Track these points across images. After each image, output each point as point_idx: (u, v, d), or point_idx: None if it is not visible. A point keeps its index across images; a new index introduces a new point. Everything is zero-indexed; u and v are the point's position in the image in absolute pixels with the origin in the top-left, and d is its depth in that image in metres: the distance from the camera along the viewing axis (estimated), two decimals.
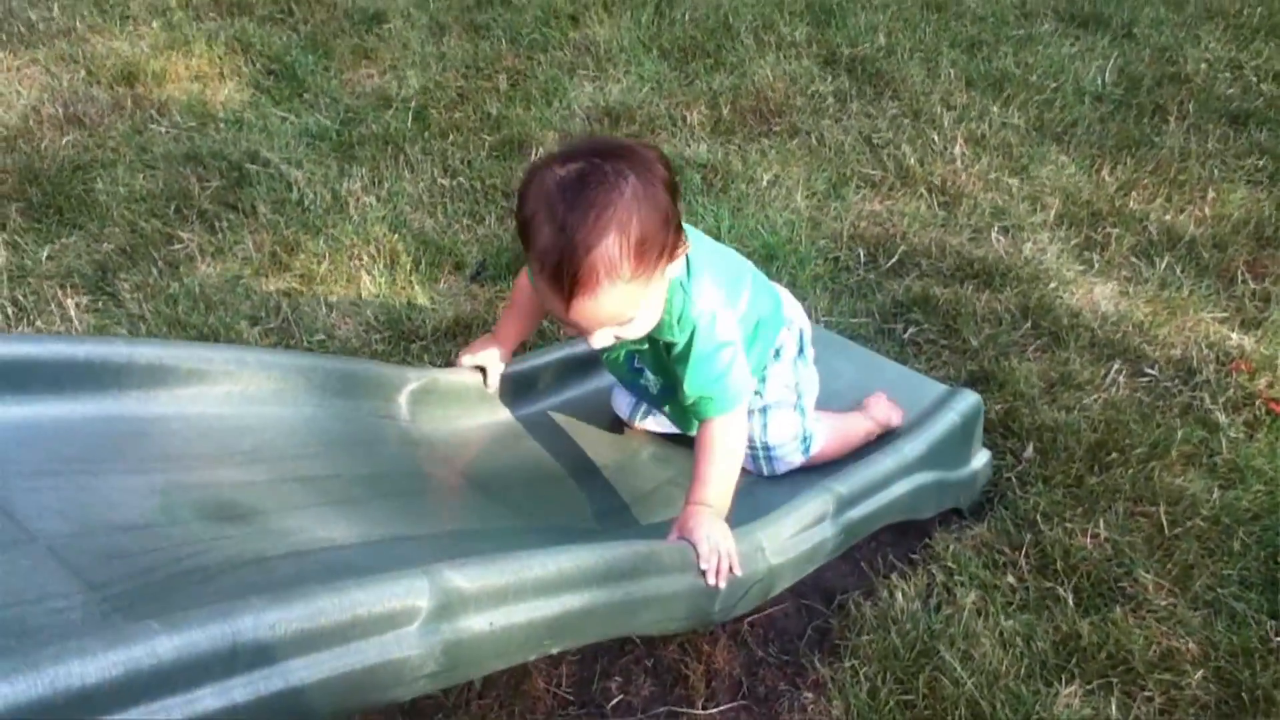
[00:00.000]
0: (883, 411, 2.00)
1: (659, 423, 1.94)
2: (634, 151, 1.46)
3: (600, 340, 1.51)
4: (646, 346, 1.66)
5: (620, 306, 1.45)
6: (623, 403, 1.97)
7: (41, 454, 1.21)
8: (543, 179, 1.41)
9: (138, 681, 0.80)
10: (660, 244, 1.45)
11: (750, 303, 1.74)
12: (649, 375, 1.75)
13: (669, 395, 1.77)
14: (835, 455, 1.91)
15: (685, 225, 1.57)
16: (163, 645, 0.81)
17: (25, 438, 1.23)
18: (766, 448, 1.86)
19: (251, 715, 0.87)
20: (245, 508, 1.29)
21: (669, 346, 1.62)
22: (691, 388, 1.61)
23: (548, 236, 1.39)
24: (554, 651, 1.21)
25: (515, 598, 1.11)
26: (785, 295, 1.90)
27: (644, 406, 1.94)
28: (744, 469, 1.76)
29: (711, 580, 1.44)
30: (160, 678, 0.81)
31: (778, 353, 1.84)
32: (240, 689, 0.86)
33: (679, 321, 1.58)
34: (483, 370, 1.87)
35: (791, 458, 1.87)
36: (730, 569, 1.46)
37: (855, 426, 1.96)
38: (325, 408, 1.61)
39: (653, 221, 1.42)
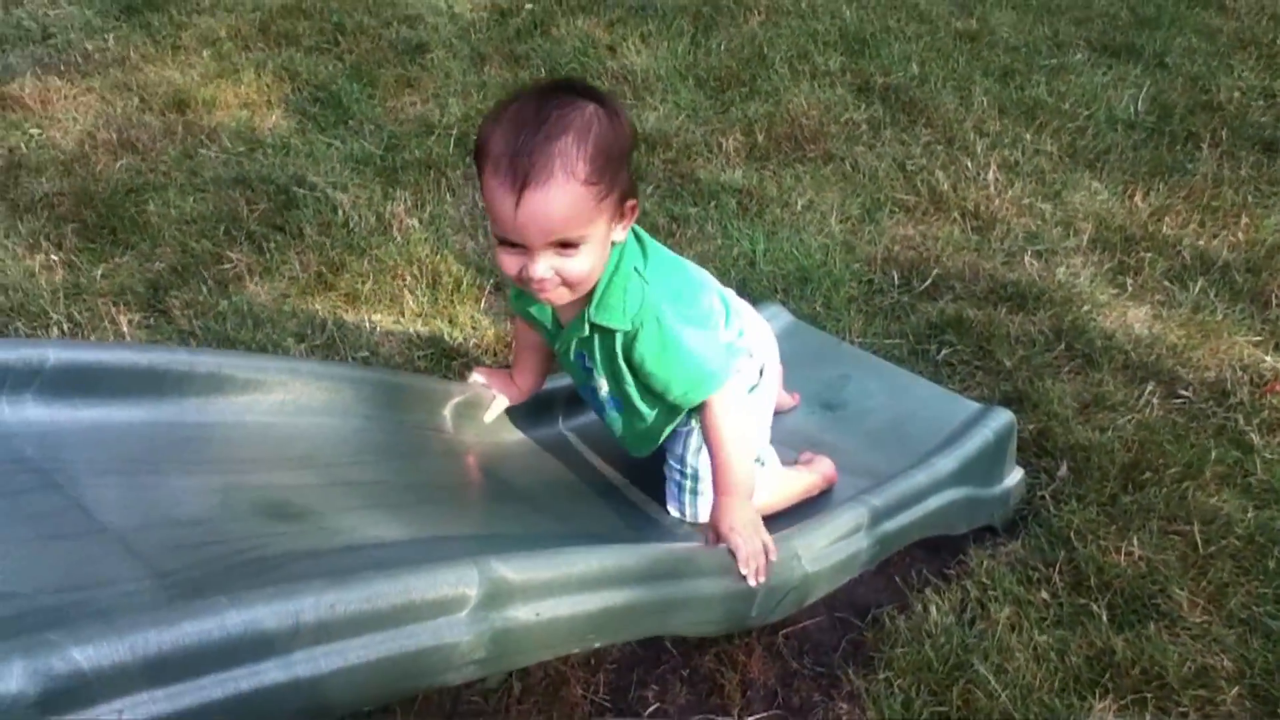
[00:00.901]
0: (826, 466, 1.93)
1: None
2: (600, 93, 1.47)
3: (541, 270, 1.44)
4: (589, 335, 1.60)
5: (571, 212, 1.40)
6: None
7: (109, 453, 1.27)
8: (503, 107, 1.43)
9: (208, 652, 0.85)
10: (616, 171, 1.43)
11: (708, 313, 1.67)
12: (597, 377, 1.68)
13: (617, 407, 1.73)
14: (770, 508, 1.76)
15: (648, 236, 1.61)
16: (231, 619, 0.86)
17: (94, 438, 1.29)
18: (695, 475, 1.76)
19: (312, 690, 0.91)
20: (299, 508, 1.34)
21: (622, 341, 1.58)
22: (671, 381, 1.58)
23: (506, 135, 1.39)
24: (596, 645, 1.25)
25: (560, 591, 1.15)
26: (753, 325, 1.81)
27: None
28: (663, 502, 1.79)
29: (751, 581, 1.47)
30: (228, 649, 0.86)
31: None
32: (302, 664, 0.91)
33: (630, 309, 1.54)
34: (489, 392, 1.86)
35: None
36: (767, 561, 1.49)
37: (795, 481, 1.87)
38: (373, 418, 1.67)
39: (612, 145, 1.42)
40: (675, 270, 1.64)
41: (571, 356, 1.69)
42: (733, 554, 1.48)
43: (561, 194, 1.38)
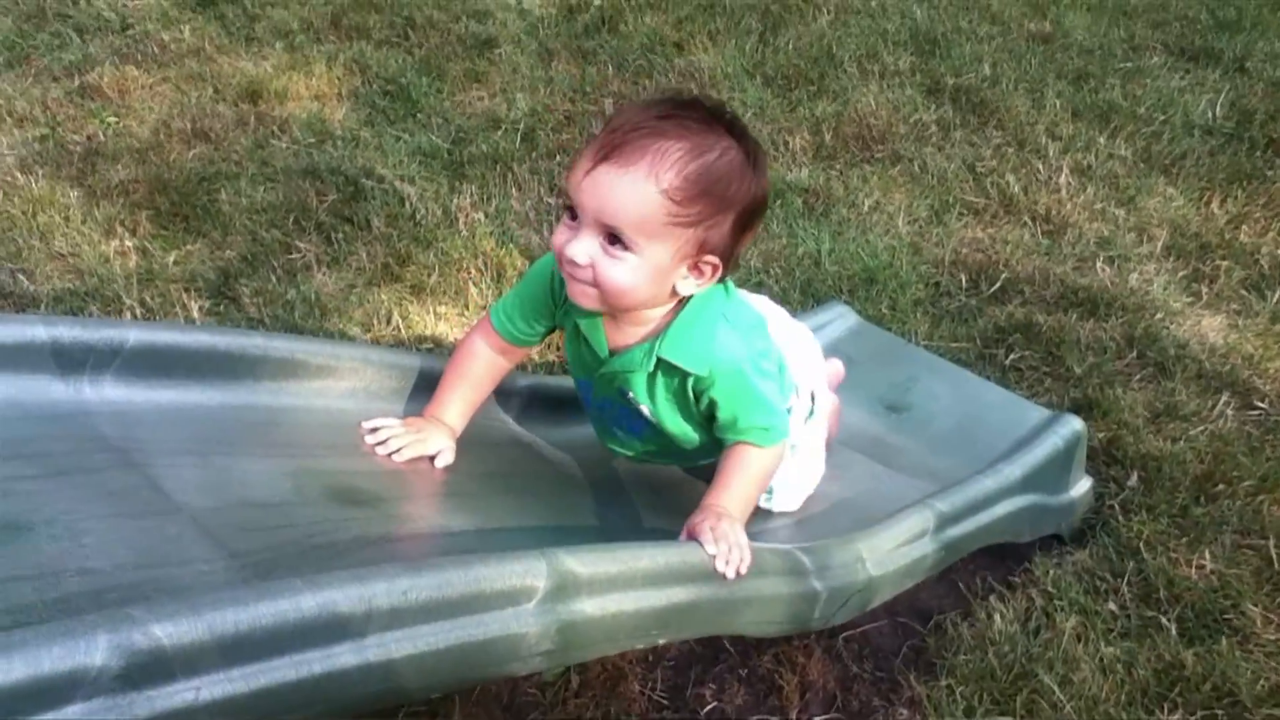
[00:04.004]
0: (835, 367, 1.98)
1: None
2: (749, 140, 1.38)
3: (580, 249, 1.35)
4: (654, 370, 1.50)
5: (632, 208, 1.31)
6: None
7: (184, 435, 1.29)
8: (655, 97, 1.39)
9: (283, 632, 0.86)
10: (710, 209, 1.34)
11: (781, 369, 1.62)
12: (638, 404, 1.57)
13: (655, 430, 1.62)
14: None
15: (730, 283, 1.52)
16: (306, 601, 0.87)
17: (169, 419, 1.31)
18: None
19: (383, 674, 0.92)
20: (369, 494, 1.35)
21: (693, 383, 1.49)
22: (751, 419, 1.50)
23: (628, 113, 1.33)
24: (660, 642, 1.24)
25: (626, 586, 1.15)
26: (795, 351, 1.74)
27: None
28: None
29: (721, 567, 1.30)
30: (303, 631, 0.87)
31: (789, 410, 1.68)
32: (374, 649, 0.92)
33: (715, 358, 1.46)
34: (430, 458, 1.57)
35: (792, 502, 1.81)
36: (741, 561, 1.33)
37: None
38: None
39: (721, 184, 1.33)
40: (757, 323, 1.57)
41: (613, 386, 1.58)
42: (701, 541, 1.35)
43: (633, 186, 1.31)
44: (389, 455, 1.50)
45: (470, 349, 1.64)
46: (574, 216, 1.37)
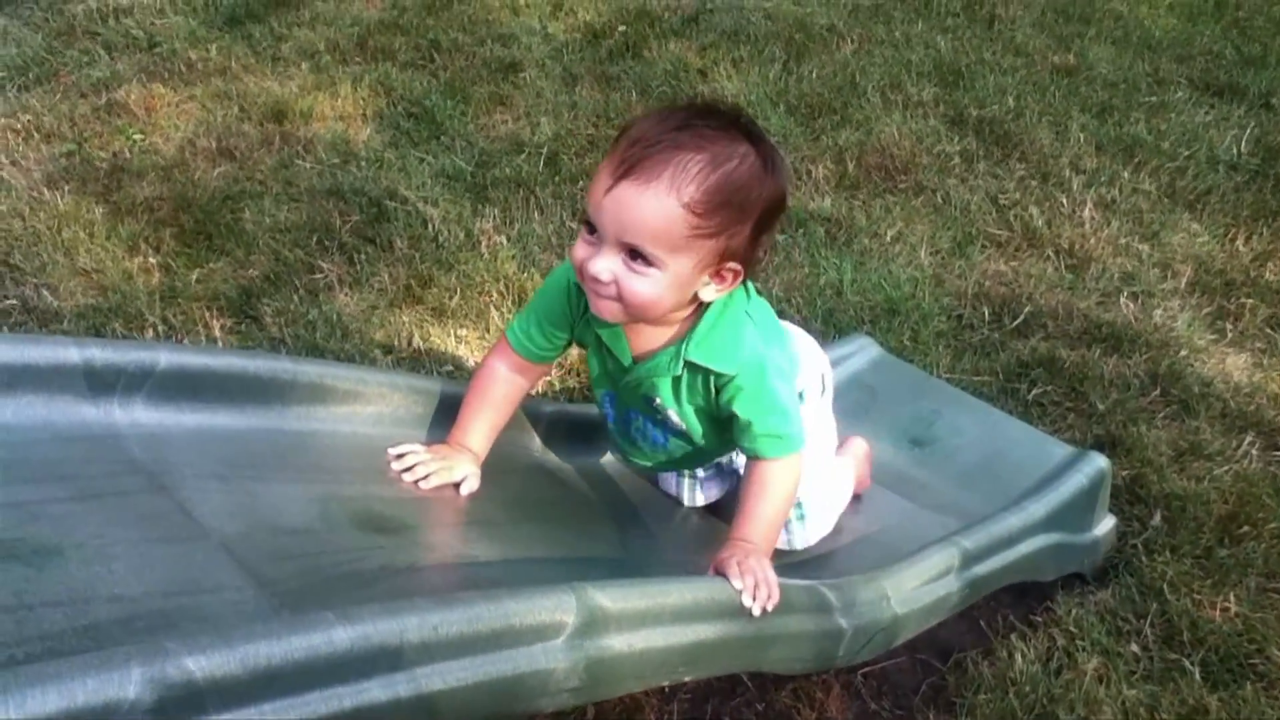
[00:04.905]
0: (859, 449, 1.95)
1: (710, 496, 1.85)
2: (765, 144, 1.38)
3: (602, 267, 1.35)
4: (681, 373, 1.51)
5: (655, 224, 1.31)
6: (670, 484, 1.86)
7: (213, 459, 1.29)
8: (670, 107, 1.38)
9: (315, 667, 0.85)
10: (732, 218, 1.34)
11: (796, 369, 1.63)
12: (666, 410, 1.58)
13: (682, 437, 1.63)
14: (835, 503, 1.84)
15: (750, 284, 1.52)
16: (339, 635, 0.86)
17: (198, 442, 1.31)
18: (798, 503, 1.74)
19: (412, 710, 0.91)
20: (396, 521, 1.35)
21: (716, 381, 1.49)
22: (765, 425, 1.48)
23: (646, 125, 1.33)
24: (686, 679, 1.23)
25: (654, 622, 1.14)
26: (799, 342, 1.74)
27: (698, 487, 1.84)
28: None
29: (748, 602, 1.28)
30: (334, 665, 0.86)
31: (801, 395, 1.67)
32: (403, 684, 0.91)
33: (741, 354, 1.46)
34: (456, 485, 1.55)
35: (826, 519, 1.81)
36: (769, 598, 1.30)
37: (847, 471, 1.89)
38: None
39: (742, 192, 1.33)
40: (777, 326, 1.58)
41: (638, 395, 1.59)
42: (729, 578, 1.32)
43: (655, 201, 1.30)
44: (415, 483, 1.50)
45: (488, 372, 1.65)
46: (593, 230, 1.36)
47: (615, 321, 1.46)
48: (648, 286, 1.36)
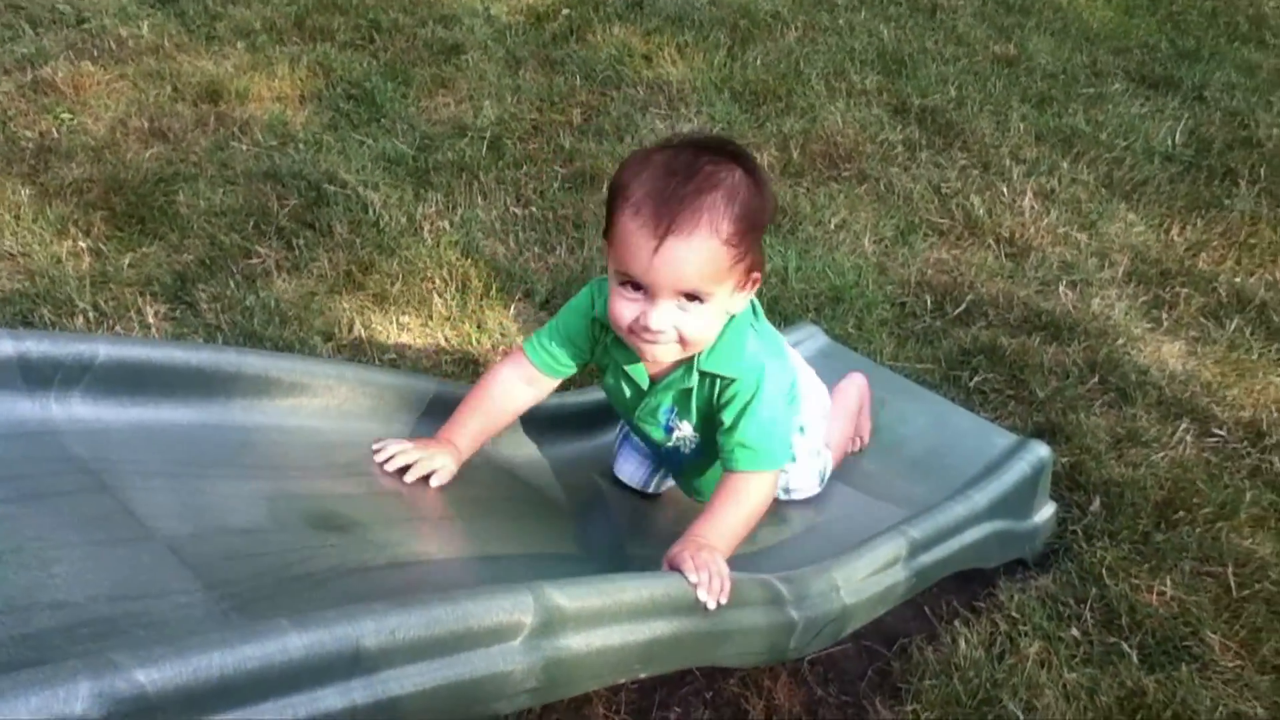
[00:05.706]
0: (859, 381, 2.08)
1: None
2: (749, 160, 1.47)
3: (661, 319, 1.43)
4: (697, 383, 1.58)
5: (707, 268, 1.41)
6: (634, 473, 1.88)
7: (157, 455, 1.26)
8: (648, 154, 1.44)
9: (269, 676, 0.83)
10: (754, 239, 1.45)
11: (794, 390, 1.73)
12: (680, 424, 1.65)
13: (698, 453, 1.69)
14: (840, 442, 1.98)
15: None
16: (293, 642, 0.84)
17: (141, 438, 1.27)
18: (786, 489, 1.88)
19: (369, 718, 0.89)
20: (346, 519, 1.32)
21: (723, 388, 1.56)
22: (744, 434, 1.54)
23: (655, 180, 1.39)
24: (641, 676, 1.23)
25: (611, 620, 1.13)
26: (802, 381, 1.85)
27: (660, 474, 1.88)
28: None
29: (704, 596, 1.29)
30: (289, 674, 0.84)
31: (801, 429, 1.82)
32: (360, 690, 0.89)
33: (745, 360, 1.55)
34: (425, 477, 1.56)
35: (809, 489, 1.92)
36: (722, 591, 1.31)
37: (849, 408, 2.03)
38: (417, 427, 1.65)
39: (755, 213, 1.43)
40: (777, 340, 1.66)
41: (661, 412, 1.66)
42: (682, 570, 1.33)
43: (703, 247, 1.39)
44: (396, 471, 1.52)
45: (496, 377, 1.69)
46: (636, 288, 1.45)
47: (671, 360, 1.56)
48: (705, 320, 1.47)
